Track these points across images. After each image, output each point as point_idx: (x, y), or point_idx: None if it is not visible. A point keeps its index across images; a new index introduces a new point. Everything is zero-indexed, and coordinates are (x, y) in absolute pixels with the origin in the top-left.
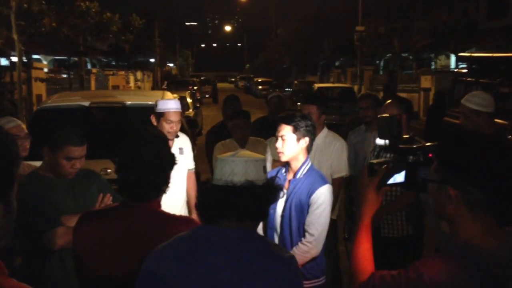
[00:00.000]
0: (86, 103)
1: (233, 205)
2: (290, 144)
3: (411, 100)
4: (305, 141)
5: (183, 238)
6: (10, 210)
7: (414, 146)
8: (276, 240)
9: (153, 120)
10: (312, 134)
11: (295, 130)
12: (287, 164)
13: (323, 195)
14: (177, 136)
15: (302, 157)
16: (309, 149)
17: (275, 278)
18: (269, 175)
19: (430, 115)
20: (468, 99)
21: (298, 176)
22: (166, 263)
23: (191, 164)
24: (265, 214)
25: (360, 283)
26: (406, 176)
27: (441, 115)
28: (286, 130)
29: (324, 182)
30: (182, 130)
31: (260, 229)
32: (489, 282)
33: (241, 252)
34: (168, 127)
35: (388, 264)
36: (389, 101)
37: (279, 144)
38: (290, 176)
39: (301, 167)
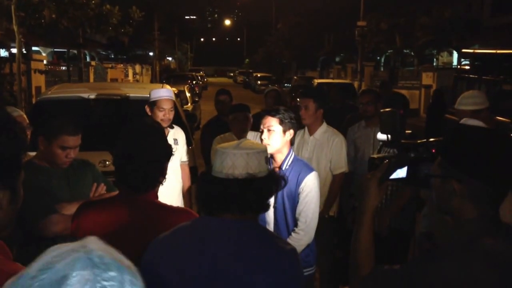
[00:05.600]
0: (86, 95)
1: (235, 198)
2: (276, 136)
3: (407, 97)
4: (290, 133)
5: (184, 228)
6: (16, 198)
7: (417, 142)
8: None
9: (148, 110)
10: (295, 127)
11: (281, 122)
12: (271, 158)
13: (310, 182)
14: (172, 127)
15: (286, 150)
16: (292, 141)
17: (277, 269)
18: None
19: (430, 113)
20: (463, 102)
21: (284, 167)
22: (167, 254)
23: (184, 157)
24: (267, 206)
25: (362, 277)
26: (408, 172)
27: (441, 113)
28: (272, 122)
29: (310, 170)
30: (181, 123)
31: None
32: (495, 276)
33: (243, 242)
34: (161, 115)
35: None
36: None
37: (265, 135)
38: (275, 169)
39: (285, 159)
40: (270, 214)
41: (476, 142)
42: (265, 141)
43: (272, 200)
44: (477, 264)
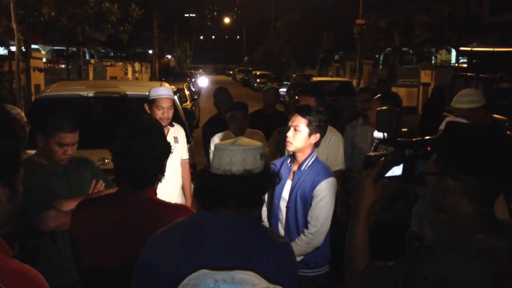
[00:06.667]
0: (85, 93)
1: (232, 193)
2: (300, 137)
3: (399, 95)
4: (316, 137)
5: (182, 223)
6: (15, 195)
7: (413, 140)
8: (281, 229)
9: (146, 108)
10: (323, 131)
11: (309, 124)
12: (292, 155)
13: (326, 188)
14: (172, 125)
15: (308, 150)
16: (317, 144)
17: (273, 263)
18: (273, 165)
19: (427, 110)
20: (460, 100)
21: (303, 168)
22: (165, 249)
23: (185, 154)
24: (262, 202)
25: (357, 273)
26: (404, 169)
27: (439, 110)
28: (300, 122)
29: (328, 175)
30: (180, 121)
31: (264, 218)
32: (490, 272)
33: (239, 237)
34: (159, 113)
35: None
36: (376, 96)
37: (290, 133)
38: (295, 167)
39: (306, 159)
40: (283, 212)
41: (471, 139)
42: (289, 139)
43: (285, 199)
44: (472, 260)
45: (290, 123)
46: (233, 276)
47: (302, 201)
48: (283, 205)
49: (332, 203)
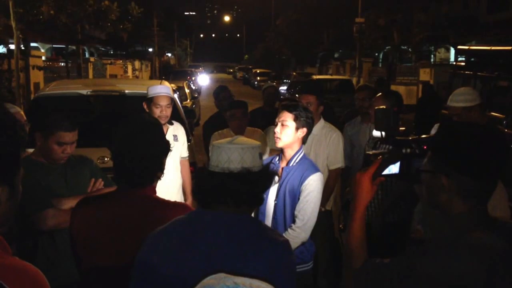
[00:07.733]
0: (84, 91)
1: (230, 191)
2: (288, 131)
3: (400, 93)
4: (303, 131)
5: (180, 221)
6: (15, 194)
7: (410, 138)
8: (268, 225)
9: (145, 106)
10: (310, 126)
11: (296, 119)
12: (281, 152)
13: (314, 183)
14: (171, 124)
15: (296, 146)
16: (304, 140)
17: (271, 261)
18: (272, 165)
19: (420, 107)
20: (455, 99)
21: (291, 164)
22: (163, 247)
23: (184, 152)
24: (261, 200)
25: (354, 270)
26: (401, 167)
27: (432, 107)
28: (287, 117)
29: (316, 170)
30: (180, 120)
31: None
32: (483, 270)
33: (238, 235)
34: (157, 111)
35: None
36: (378, 94)
37: (277, 129)
38: (283, 164)
39: (294, 155)
40: (269, 208)
41: (465, 138)
42: (277, 135)
43: (273, 195)
44: (466, 258)
45: (277, 119)
46: (251, 283)
47: (291, 196)
48: (271, 201)
49: (319, 198)
